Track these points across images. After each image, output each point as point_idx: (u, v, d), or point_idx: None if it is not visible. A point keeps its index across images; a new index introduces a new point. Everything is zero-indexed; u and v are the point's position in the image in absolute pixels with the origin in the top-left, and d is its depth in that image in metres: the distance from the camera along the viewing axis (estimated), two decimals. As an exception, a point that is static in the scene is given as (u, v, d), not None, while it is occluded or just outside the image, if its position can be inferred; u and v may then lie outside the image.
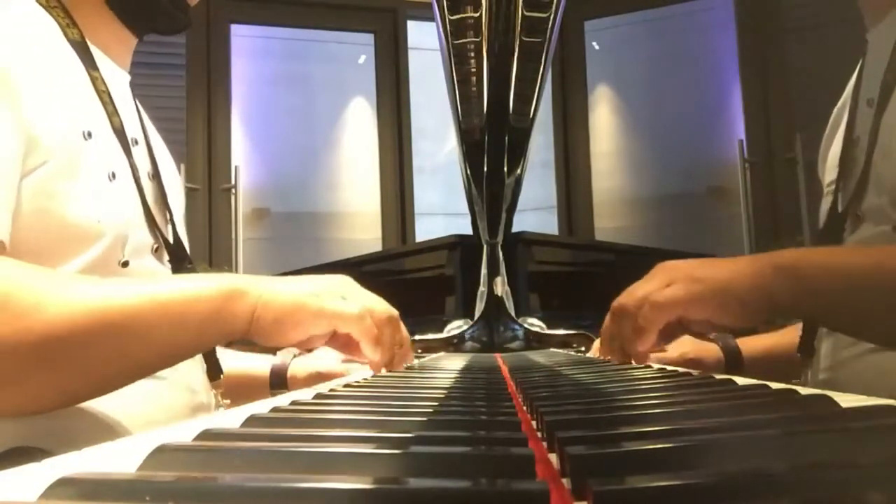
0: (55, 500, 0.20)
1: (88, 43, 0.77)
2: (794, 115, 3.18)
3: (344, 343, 0.69)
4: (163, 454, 0.24)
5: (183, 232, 0.90)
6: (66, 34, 0.74)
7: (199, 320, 0.62)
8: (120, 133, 0.75)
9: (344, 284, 0.71)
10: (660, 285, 0.67)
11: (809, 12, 3.16)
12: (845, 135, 0.89)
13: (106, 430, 0.68)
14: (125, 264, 0.72)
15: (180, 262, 0.83)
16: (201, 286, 0.63)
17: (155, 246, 0.79)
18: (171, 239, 0.83)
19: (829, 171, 0.94)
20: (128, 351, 0.60)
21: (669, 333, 0.71)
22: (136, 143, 0.80)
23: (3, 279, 0.56)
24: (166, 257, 0.82)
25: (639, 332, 0.67)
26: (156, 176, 0.83)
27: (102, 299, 0.59)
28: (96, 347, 0.58)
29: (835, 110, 1.01)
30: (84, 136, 0.70)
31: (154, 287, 0.62)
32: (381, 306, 0.71)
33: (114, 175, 0.73)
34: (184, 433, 0.30)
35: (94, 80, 0.75)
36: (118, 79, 0.82)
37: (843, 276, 0.64)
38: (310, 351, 0.97)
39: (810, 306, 0.66)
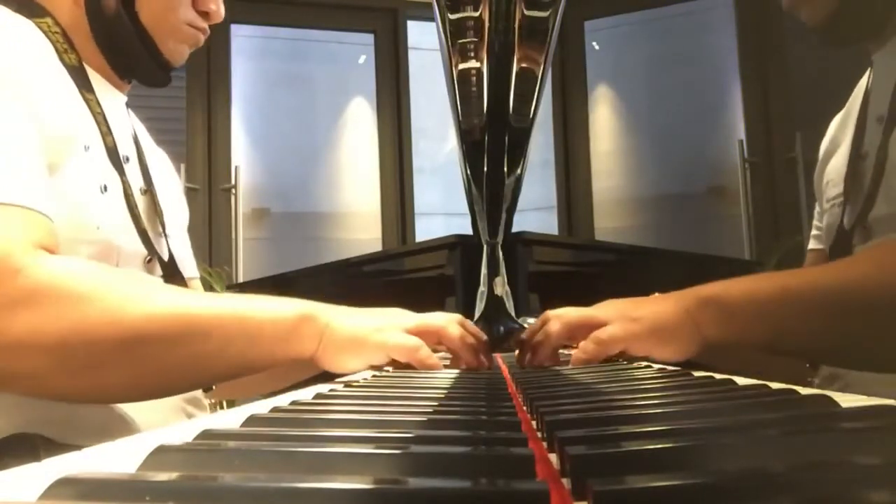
0: (55, 500, 0.20)
1: (86, 66, 0.80)
2: (794, 115, 3.18)
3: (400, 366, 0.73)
4: (163, 454, 0.24)
5: (182, 245, 0.92)
6: (63, 59, 0.77)
7: (272, 339, 0.66)
8: (112, 152, 0.79)
9: (401, 315, 0.74)
10: (600, 319, 0.72)
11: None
12: (852, 151, 0.90)
13: (105, 417, 0.70)
14: None
15: (172, 275, 0.86)
16: (277, 307, 0.67)
17: (147, 257, 0.82)
18: (164, 252, 0.86)
19: (832, 186, 0.95)
20: (203, 358, 0.64)
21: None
22: (128, 160, 0.83)
23: (93, 276, 0.62)
24: (159, 270, 0.85)
25: (579, 362, 0.71)
26: (148, 191, 0.86)
27: (187, 306, 0.64)
28: (176, 349, 0.63)
29: (832, 126, 1.03)
30: (84, 149, 0.74)
31: (234, 302, 0.67)
32: (439, 319, 0.74)
33: (105, 188, 0.76)
34: (184, 433, 0.30)
35: (88, 102, 0.78)
36: (114, 100, 0.85)
37: (756, 301, 0.69)
38: None
39: (734, 334, 0.70)
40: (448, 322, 0.74)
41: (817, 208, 1.07)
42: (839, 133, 0.99)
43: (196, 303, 0.65)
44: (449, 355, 0.75)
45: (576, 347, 0.75)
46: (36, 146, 0.67)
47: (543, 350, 0.75)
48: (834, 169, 0.96)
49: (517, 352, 0.82)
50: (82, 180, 0.73)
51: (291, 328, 0.66)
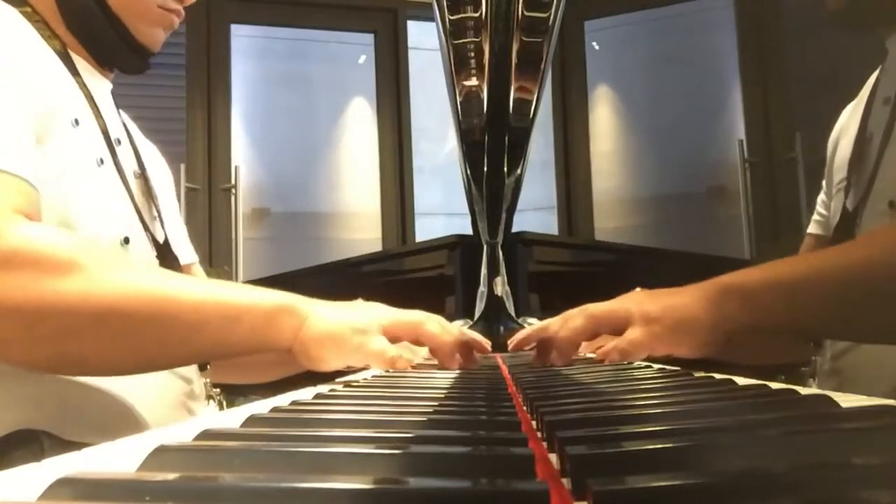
0: (55, 500, 0.20)
1: (70, 52, 0.80)
2: (794, 115, 3.18)
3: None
4: (163, 454, 0.24)
5: (176, 230, 0.92)
6: (49, 45, 0.77)
7: (248, 326, 0.65)
8: (104, 133, 0.78)
9: (379, 311, 0.73)
10: (621, 313, 0.71)
11: (810, 13, 3.15)
12: (858, 132, 0.90)
13: (107, 415, 0.71)
14: None
15: (166, 257, 0.85)
16: (256, 296, 0.67)
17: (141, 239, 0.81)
18: (158, 235, 0.85)
19: (839, 170, 0.96)
20: (178, 337, 0.64)
21: None
22: (120, 142, 0.82)
23: (71, 246, 0.61)
24: (154, 253, 0.84)
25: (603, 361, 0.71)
26: (141, 175, 0.85)
27: (163, 286, 0.63)
28: (148, 327, 0.62)
29: (843, 115, 1.03)
30: (72, 124, 0.73)
31: (214, 286, 0.67)
32: (418, 314, 0.73)
33: (101, 161, 0.76)
34: (184, 433, 0.30)
35: (77, 84, 0.77)
36: (100, 86, 0.84)
37: (781, 286, 0.67)
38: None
39: (761, 321, 0.68)
40: (427, 318, 0.73)
41: (821, 196, 1.06)
42: (849, 121, 0.99)
43: (174, 283, 0.65)
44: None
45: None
46: (24, 117, 0.66)
47: (568, 345, 0.74)
48: (841, 156, 0.96)
49: (523, 339, 0.80)
50: (74, 158, 0.72)
51: (269, 317, 0.66)
